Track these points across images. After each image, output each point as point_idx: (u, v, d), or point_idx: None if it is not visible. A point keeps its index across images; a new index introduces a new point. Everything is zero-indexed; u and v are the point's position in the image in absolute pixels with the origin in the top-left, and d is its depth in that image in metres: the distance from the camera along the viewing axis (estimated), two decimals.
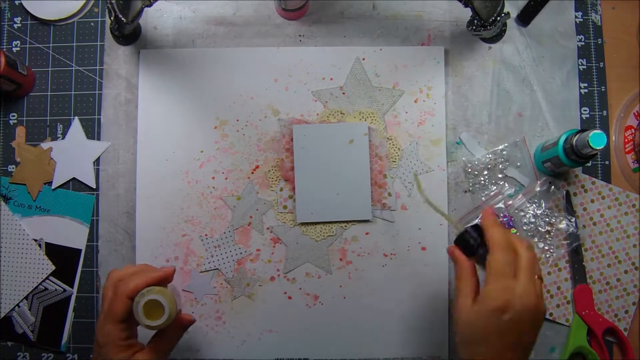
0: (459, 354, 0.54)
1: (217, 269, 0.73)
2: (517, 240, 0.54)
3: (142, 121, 0.74)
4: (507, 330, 0.50)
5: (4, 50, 0.71)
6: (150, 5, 0.66)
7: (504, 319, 0.49)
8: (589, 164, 0.74)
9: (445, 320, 0.72)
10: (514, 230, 0.73)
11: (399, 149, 0.74)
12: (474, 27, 0.70)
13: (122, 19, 0.66)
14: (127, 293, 0.53)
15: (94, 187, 0.74)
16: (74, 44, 0.76)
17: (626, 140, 0.76)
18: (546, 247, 0.73)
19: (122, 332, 0.54)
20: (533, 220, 0.73)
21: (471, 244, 0.56)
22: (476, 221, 0.72)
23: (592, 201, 0.74)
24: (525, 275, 0.51)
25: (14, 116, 0.75)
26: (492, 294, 0.50)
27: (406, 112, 0.75)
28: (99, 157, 0.74)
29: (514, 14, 0.76)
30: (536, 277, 0.52)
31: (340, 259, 0.73)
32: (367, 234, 0.73)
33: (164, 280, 0.57)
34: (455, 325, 0.54)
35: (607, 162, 0.75)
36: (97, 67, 0.75)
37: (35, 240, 0.73)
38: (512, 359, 0.50)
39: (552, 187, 0.74)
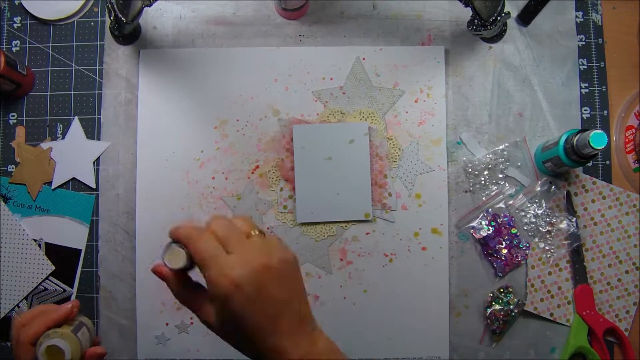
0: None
1: None
2: (206, 223, 0.46)
3: (142, 121, 0.74)
4: (252, 310, 0.42)
5: (4, 50, 0.71)
6: (150, 5, 0.66)
7: (238, 302, 0.42)
8: (589, 164, 0.74)
9: (446, 320, 0.72)
10: (514, 231, 0.73)
11: (399, 149, 0.74)
12: (474, 27, 0.70)
13: (122, 18, 0.66)
14: (28, 340, 0.52)
15: (94, 187, 0.73)
16: (74, 43, 0.75)
17: (627, 140, 0.76)
18: (547, 247, 0.73)
19: None
20: (534, 220, 0.73)
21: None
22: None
23: (593, 201, 0.74)
24: (229, 244, 0.43)
25: (13, 116, 0.75)
26: (211, 288, 0.43)
27: (406, 112, 0.74)
28: (99, 157, 0.74)
29: (514, 14, 0.76)
30: (255, 232, 0.45)
31: (341, 259, 0.73)
32: (367, 234, 0.73)
33: (65, 320, 0.56)
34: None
35: (607, 162, 0.75)
36: (97, 67, 0.75)
37: (35, 240, 0.73)
38: (281, 327, 0.43)
39: (553, 187, 0.74)
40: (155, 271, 0.48)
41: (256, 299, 0.42)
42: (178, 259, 0.46)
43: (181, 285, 0.47)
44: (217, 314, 0.44)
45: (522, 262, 0.73)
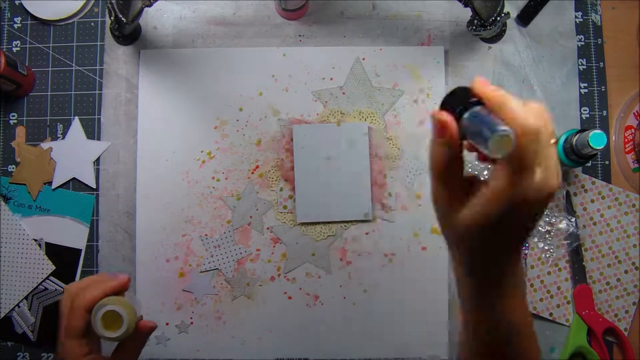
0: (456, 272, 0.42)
1: (217, 269, 0.73)
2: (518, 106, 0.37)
3: (142, 121, 0.74)
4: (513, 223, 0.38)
5: (4, 50, 0.71)
6: (150, 5, 0.66)
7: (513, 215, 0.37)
8: (589, 164, 0.74)
9: (445, 321, 0.72)
10: None
11: (399, 149, 0.74)
12: (474, 27, 0.70)
13: (122, 19, 0.66)
14: (84, 306, 0.51)
15: (94, 187, 0.74)
16: (74, 44, 0.76)
17: (626, 140, 0.76)
18: (546, 247, 0.73)
19: (83, 348, 0.52)
20: None
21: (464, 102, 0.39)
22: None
23: (592, 201, 0.74)
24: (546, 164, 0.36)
25: (14, 116, 0.75)
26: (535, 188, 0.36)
27: (406, 112, 0.75)
28: (99, 157, 0.74)
29: (514, 14, 0.76)
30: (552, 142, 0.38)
31: (340, 259, 0.73)
32: (367, 234, 0.73)
33: (121, 289, 0.55)
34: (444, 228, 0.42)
35: (607, 162, 0.75)
36: (97, 67, 0.75)
37: (35, 240, 0.73)
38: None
39: None
40: (439, 119, 0.38)
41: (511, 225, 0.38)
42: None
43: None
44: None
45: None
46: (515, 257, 0.41)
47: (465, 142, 0.40)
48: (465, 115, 0.38)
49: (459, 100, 0.39)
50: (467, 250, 0.41)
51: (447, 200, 0.41)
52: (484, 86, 0.38)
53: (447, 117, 0.38)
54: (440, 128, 0.39)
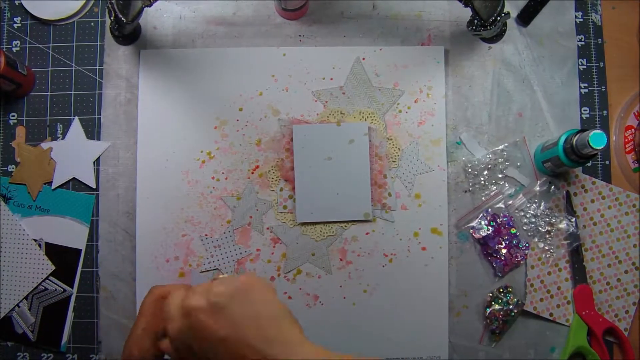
0: None
1: (217, 269, 0.73)
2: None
3: (142, 121, 0.74)
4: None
5: (4, 50, 0.71)
6: (150, 5, 0.66)
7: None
8: (589, 164, 0.74)
9: (446, 320, 0.72)
10: (513, 231, 0.73)
11: (399, 149, 0.74)
12: (474, 27, 0.70)
13: (122, 19, 0.66)
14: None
15: (94, 187, 0.74)
16: (74, 44, 0.76)
17: (626, 140, 0.76)
18: (546, 247, 0.73)
19: (157, 349, 0.54)
20: (533, 220, 0.73)
21: None
22: None
23: (592, 201, 0.74)
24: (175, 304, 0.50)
25: (14, 116, 0.75)
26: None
27: (406, 112, 0.75)
28: (99, 157, 0.74)
29: (514, 14, 0.76)
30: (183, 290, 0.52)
31: (340, 259, 0.73)
32: (367, 234, 0.73)
33: None
34: None
35: (607, 162, 0.75)
36: (97, 67, 0.75)
37: (35, 240, 0.73)
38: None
39: (552, 187, 0.74)
40: None
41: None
42: None
43: None
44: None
45: (521, 262, 0.73)
46: None
47: None
48: None
49: None
50: None
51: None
52: None
53: None
54: None
